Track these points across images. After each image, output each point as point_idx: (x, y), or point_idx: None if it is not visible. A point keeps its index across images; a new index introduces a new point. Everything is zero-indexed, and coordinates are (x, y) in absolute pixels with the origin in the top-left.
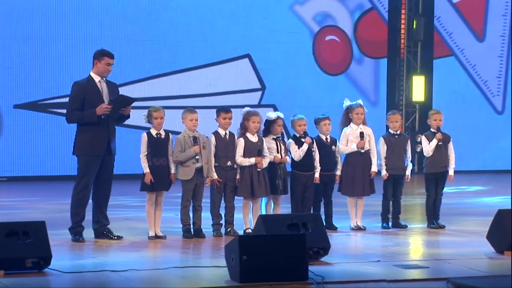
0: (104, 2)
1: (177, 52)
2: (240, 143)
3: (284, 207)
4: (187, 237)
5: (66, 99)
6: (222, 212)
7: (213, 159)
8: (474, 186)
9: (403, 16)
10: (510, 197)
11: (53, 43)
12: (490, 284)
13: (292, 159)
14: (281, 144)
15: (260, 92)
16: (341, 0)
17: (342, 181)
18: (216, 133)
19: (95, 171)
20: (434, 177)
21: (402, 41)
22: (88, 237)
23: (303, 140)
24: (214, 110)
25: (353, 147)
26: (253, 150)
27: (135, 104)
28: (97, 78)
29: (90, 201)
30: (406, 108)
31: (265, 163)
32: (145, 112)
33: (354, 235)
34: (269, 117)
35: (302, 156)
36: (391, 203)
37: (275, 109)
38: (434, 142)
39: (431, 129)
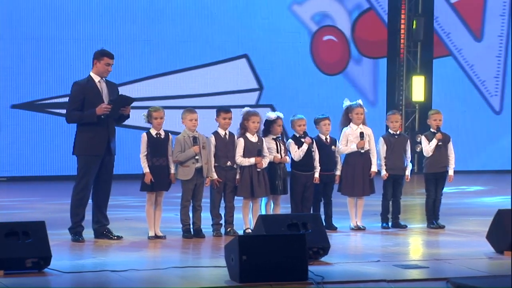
0: (103, 2)
1: (176, 52)
2: (240, 143)
3: (284, 207)
4: (187, 237)
5: (64, 99)
6: (222, 212)
7: (213, 159)
8: (474, 186)
9: (402, 16)
10: (510, 197)
11: (53, 43)
12: (490, 284)
13: (292, 159)
14: (281, 144)
15: (257, 92)
16: (340, 0)
17: (342, 181)
18: (216, 133)
19: (95, 171)
20: (434, 177)
21: (402, 41)
22: (88, 237)
23: (303, 140)
24: (214, 110)
25: (353, 147)
26: (253, 150)
27: (134, 104)
28: (96, 78)
29: (90, 201)
30: (406, 108)
31: (265, 163)
32: (145, 112)
33: (354, 235)
34: (269, 117)
35: (302, 156)
36: (390, 203)
37: (273, 109)
38: (434, 142)
39: (431, 129)
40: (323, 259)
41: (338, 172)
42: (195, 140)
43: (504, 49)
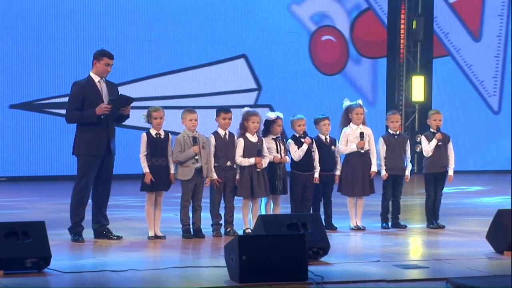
0: (103, 1)
1: (176, 52)
2: (240, 143)
3: (283, 207)
4: (186, 237)
5: (62, 99)
6: (222, 212)
7: (212, 159)
8: (474, 186)
9: (402, 16)
10: (510, 197)
11: (51, 43)
12: (489, 284)
13: (291, 159)
14: (281, 144)
15: (256, 92)
16: (339, 0)
17: (341, 181)
18: (215, 133)
19: (94, 171)
20: (433, 177)
21: (402, 41)
22: (87, 237)
23: (302, 140)
24: (214, 110)
25: (353, 147)
26: (253, 150)
27: (134, 104)
28: (96, 78)
29: (90, 201)
30: (406, 108)
31: (264, 163)
32: (145, 112)
33: (353, 235)
34: (268, 117)
35: (301, 156)
36: (390, 203)
37: (271, 109)
38: (434, 142)
39: (431, 129)
40: (323, 259)
41: (338, 172)
42: (195, 140)
43: (502, 49)
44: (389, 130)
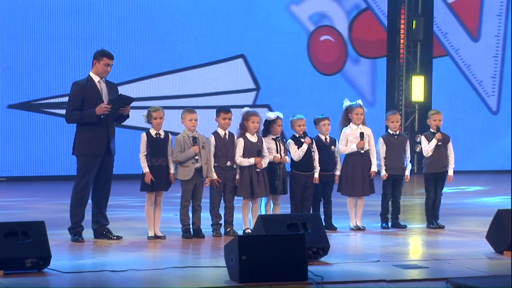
0: (103, 1)
1: (175, 52)
2: (240, 143)
3: (283, 207)
4: (186, 237)
5: (61, 99)
6: (222, 212)
7: (212, 159)
8: (474, 186)
9: (402, 16)
10: (509, 197)
11: (50, 43)
12: (489, 284)
13: (291, 159)
14: (281, 144)
15: (254, 92)
16: (337, 1)
17: (341, 181)
18: (215, 133)
19: (94, 171)
20: (433, 177)
21: (402, 41)
22: (87, 237)
23: (302, 140)
24: (213, 110)
25: (352, 147)
26: (253, 150)
27: (134, 104)
28: (96, 78)
29: (90, 201)
30: (406, 108)
31: (264, 163)
32: (145, 112)
33: (353, 235)
34: (268, 117)
35: (301, 156)
36: (390, 203)
37: (270, 109)
38: (434, 142)
39: (431, 129)
40: (322, 259)
41: (337, 172)
42: (194, 140)
43: (501, 49)
44: (389, 130)
